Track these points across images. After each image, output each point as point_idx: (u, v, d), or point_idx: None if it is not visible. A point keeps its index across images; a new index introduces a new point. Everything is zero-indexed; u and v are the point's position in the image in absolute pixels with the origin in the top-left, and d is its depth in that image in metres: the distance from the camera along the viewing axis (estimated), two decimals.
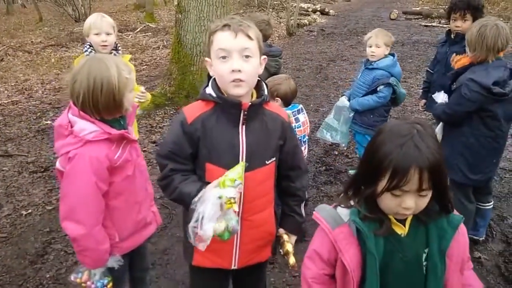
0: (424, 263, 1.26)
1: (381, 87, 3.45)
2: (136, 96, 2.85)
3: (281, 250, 1.77)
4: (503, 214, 3.41)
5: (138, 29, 12.65)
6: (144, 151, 4.74)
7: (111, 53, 2.90)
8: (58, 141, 1.79)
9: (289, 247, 1.73)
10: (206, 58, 1.60)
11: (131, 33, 12.01)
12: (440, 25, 12.65)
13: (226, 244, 1.60)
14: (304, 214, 1.86)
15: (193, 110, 1.59)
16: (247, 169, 1.56)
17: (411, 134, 1.17)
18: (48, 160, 4.54)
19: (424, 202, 1.20)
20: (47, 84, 7.59)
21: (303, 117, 2.89)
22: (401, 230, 1.26)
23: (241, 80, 1.49)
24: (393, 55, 3.55)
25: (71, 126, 1.74)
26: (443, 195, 1.23)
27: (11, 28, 13.53)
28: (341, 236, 1.27)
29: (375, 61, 3.52)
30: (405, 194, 1.17)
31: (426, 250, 1.25)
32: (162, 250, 3.08)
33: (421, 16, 14.17)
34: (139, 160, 1.97)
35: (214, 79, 1.58)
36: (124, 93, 1.75)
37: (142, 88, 2.92)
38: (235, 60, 1.47)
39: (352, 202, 1.30)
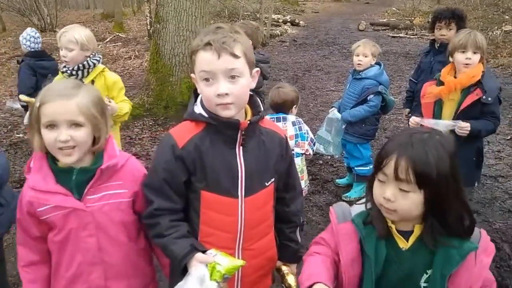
0: (425, 285, 1.23)
1: (371, 96, 3.50)
2: None
3: (282, 285, 1.66)
4: (489, 220, 3.50)
5: (108, 39, 12.39)
6: None
7: (79, 69, 2.78)
8: None
9: (291, 280, 1.62)
10: (192, 74, 1.43)
11: (101, 43, 11.73)
12: (408, 36, 13.08)
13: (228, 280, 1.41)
14: (300, 240, 1.71)
15: (182, 133, 1.42)
16: (247, 194, 1.45)
17: (414, 134, 1.20)
18: (23, 176, 4.32)
19: (406, 201, 1.16)
20: (16, 95, 7.26)
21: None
22: (403, 244, 1.25)
23: (228, 103, 1.34)
24: (379, 64, 3.60)
25: None
26: (445, 217, 1.18)
27: None
28: (343, 231, 1.30)
29: (362, 71, 3.56)
30: (387, 181, 1.19)
31: (429, 271, 1.22)
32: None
33: (388, 27, 14.61)
34: (84, 235, 1.47)
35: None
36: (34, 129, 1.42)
37: (105, 100, 2.75)
38: (220, 84, 1.32)
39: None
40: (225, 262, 1.30)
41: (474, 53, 2.62)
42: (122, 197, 1.50)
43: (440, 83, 2.74)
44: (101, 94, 2.68)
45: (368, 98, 3.51)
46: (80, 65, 2.78)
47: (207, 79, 1.34)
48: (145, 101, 6.02)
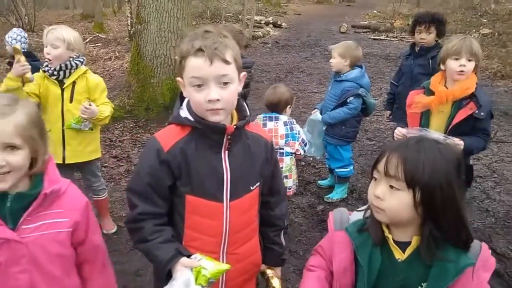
0: None
1: (351, 98, 3.53)
2: (81, 112, 2.71)
3: None
4: (468, 219, 3.55)
5: (88, 39, 12.20)
6: (105, 166, 4.52)
7: (60, 69, 2.75)
8: None
9: (275, 283, 1.62)
10: (178, 78, 1.41)
11: None
12: (388, 38, 13.27)
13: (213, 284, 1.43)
14: (284, 243, 1.72)
15: (168, 137, 1.41)
16: (232, 198, 1.45)
17: (412, 138, 1.22)
18: None
19: (395, 200, 1.16)
20: None
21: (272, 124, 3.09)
22: (399, 255, 1.24)
23: (219, 109, 1.34)
24: (361, 66, 3.62)
25: None
26: (441, 224, 1.16)
27: None
28: (339, 239, 1.30)
29: (343, 73, 3.59)
30: (379, 178, 1.20)
31: (423, 284, 1.21)
32: (134, 272, 2.91)
33: (369, 30, 14.81)
34: (15, 271, 1.29)
35: (189, 100, 1.42)
36: None
37: (86, 103, 2.74)
38: (212, 90, 1.31)
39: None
40: (211, 266, 1.30)
41: (469, 60, 2.41)
42: (61, 227, 1.35)
43: (429, 92, 2.55)
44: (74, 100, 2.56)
45: (348, 100, 3.54)
46: (63, 65, 2.75)
47: (198, 85, 1.32)
48: (126, 103, 5.94)
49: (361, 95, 3.52)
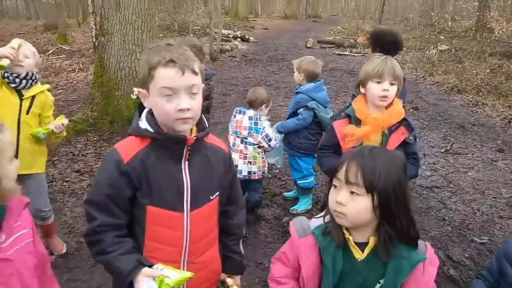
0: None
1: (301, 109, 3.65)
2: (56, 127, 2.80)
3: None
4: (425, 228, 3.69)
5: (51, 51, 11.93)
6: (66, 181, 4.42)
7: (25, 78, 2.73)
8: None
9: None
10: (140, 89, 1.43)
11: (43, 55, 11.26)
12: (352, 53, 13.66)
13: None
14: (243, 252, 1.77)
15: (128, 148, 1.42)
16: (192, 208, 1.48)
17: (365, 147, 1.33)
18: None
19: (356, 205, 1.25)
20: None
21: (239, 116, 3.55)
22: (359, 255, 1.33)
23: (188, 118, 1.39)
24: (318, 80, 3.73)
25: None
26: (395, 223, 1.27)
27: None
28: (304, 245, 1.37)
29: (300, 86, 3.77)
30: (339, 186, 1.28)
31: (381, 281, 1.30)
32: None
33: (334, 45, 15.21)
34: None
35: (149, 111, 1.44)
36: None
37: (66, 121, 2.85)
38: (182, 99, 1.35)
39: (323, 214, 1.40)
40: (174, 275, 1.31)
41: (391, 84, 2.20)
42: (28, 238, 1.32)
43: (356, 121, 2.28)
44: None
45: (298, 111, 3.66)
46: (30, 73, 2.75)
47: (168, 95, 1.36)
48: (89, 116, 5.81)
49: (309, 107, 3.61)
